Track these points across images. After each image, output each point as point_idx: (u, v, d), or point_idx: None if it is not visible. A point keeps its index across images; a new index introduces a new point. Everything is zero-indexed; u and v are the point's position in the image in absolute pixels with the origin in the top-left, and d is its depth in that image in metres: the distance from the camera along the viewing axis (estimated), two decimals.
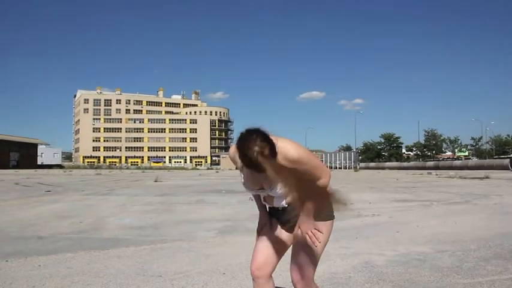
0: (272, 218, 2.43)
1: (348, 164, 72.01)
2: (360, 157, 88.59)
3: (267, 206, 2.44)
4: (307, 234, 2.21)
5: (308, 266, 2.28)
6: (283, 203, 2.28)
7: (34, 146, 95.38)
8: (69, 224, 7.31)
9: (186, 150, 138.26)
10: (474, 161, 61.61)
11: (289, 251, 2.42)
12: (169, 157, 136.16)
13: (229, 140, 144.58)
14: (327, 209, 2.34)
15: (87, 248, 5.25)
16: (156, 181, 22.51)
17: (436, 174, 31.70)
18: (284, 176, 2.11)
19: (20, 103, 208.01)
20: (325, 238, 2.31)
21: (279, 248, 2.39)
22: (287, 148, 2.07)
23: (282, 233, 2.39)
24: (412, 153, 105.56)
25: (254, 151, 1.95)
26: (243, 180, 2.30)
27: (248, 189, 2.30)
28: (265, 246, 2.38)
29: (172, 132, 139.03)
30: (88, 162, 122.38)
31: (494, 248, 5.04)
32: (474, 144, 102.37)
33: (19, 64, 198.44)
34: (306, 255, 2.26)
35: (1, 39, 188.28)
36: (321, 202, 2.28)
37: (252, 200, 2.52)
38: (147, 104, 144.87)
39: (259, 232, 2.47)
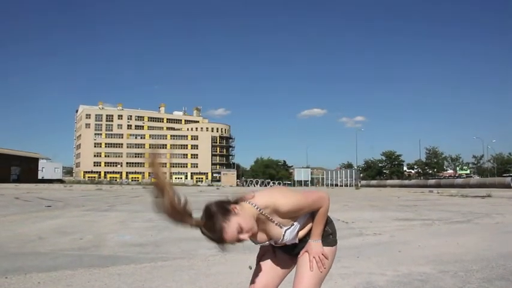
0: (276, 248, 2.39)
1: (349, 182, 71.95)
2: (361, 175, 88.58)
3: None
4: (315, 259, 2.23)
5: (311, 287, 2.24)
6: (296, 240, 2.27)
7: (35, 161, 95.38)
8: (69, 240, 7.29)
9: (187, 167, 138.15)
10: (476, 179, 61.55)
11: (289, 278, 2.39)
12: (171, 173, 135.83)
13: (230, 157, 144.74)
14: (332, 235, 2.35)
15: (87, 265, 5.23)
16: (157, 197, 22.40)
17: (438, 193, 31.61)
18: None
19: (22, 117, 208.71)
20: (330, 263, 2.31)
21: (280, 272, 2.39)
22: (276, 204, 2.09)
23: (285, 258, 2.39)
24: (413, 171, 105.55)
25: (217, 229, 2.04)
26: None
27: (256, 243, 2.27)
28: (264, 271, 2.37)
29: (174, 148, 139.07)
30: (89, 177, 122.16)
31: (497, 269, 5.00)
32: (476, 162, 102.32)
33: (21, 78, 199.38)
34: (310, 277, 2.23)
35: (2, 52, 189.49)
36: (324, 225, 2.29)
37: (251, 268, 2.50)
38: (148, 120, 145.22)
39: (260, 257, 2.45)
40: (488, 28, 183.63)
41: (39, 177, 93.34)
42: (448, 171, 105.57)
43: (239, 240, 2.00)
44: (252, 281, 2.36)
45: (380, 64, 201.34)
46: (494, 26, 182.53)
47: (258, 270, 2.39)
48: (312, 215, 2.26)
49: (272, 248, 2.40)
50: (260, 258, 2.44)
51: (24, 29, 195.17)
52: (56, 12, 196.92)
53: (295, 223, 2.19)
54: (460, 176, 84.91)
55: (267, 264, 2.38)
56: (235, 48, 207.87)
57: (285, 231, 2.16)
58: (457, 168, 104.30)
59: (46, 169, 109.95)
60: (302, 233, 2.26)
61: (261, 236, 2.19)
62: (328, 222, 2.34)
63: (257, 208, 2.07)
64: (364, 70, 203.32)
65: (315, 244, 2.25)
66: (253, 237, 2.17)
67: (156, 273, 4.85)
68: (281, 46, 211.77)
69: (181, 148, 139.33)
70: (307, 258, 2.25)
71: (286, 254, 2.37)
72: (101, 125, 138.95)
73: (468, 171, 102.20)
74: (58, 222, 10.10)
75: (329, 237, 2.31)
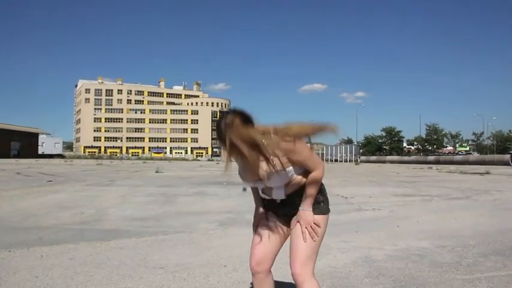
0: (269, 211, 2.44)
1: (348, 157, 71.97)
2: (361, 150, 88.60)
3: (264, 199, 2.42)
4: (307, 228, 2.25)
5: (308, 259, 2.28)
6: (282, 195, 2.28)
7: (35, 136, 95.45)
8: (71, 214, 7.35)
9: (187, 141, 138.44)
10: (475, 156, 61.57)
11: (287, 244, 2.42)
12: (170, 148, 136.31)
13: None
14: (323, 203, 2.34)
15: (89, 239, 5.29)
16: (157, 172, 22.54)
17: (437, 169, 31.70)
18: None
19: (22, 93, 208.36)
20: (323, 231, 2.32)
21: (277, 241, 2.41)
22: (279, 137, 2.13)
23: (279, 226, 2.40)
24: (413, 148, 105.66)
25: (224, 122, 2.08)
26: (239, 175, 2.32)
27: (245, 180, 2.30)
28: (263, 241, 2.39)
29: (174, 123, 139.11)
30: (89, 152, 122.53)
31: (493, 244, 5.06)
32: (475, 139, 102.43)
33: (20, 54, 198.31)
34: (305, 249, 2.26)
35: (2, 29, 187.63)
36: (316, 194, 2.29)
37: (245, 190, 2.54)
38: (148, 95, 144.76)
39: (256, 227, 2.49)
40: (489, 6, 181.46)
41: (40, 152, 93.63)
42: (448, 148, 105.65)
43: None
44: (252, 253, 2.39)
45: (382, 40, 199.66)
46: (495, 4, 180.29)
47: (255, 241, 2.41)
48: (303, 177, 2.26)
49: (265, 216, 2.44)
50: (256, 228, 2.47)
51: (24, 5, 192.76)
52: None
53: (287, 170, 2.18)
54: (459, 153, 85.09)
55: (264, 234, 2.40)
56: (235, 22, 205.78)
57: (272, 175, 2.16)
58: (457, 145, 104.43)
59: (46, 144, 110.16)
60: (290, 190, 2.27)
61: (252, 172, 2.20)
62: (320, 190, 2.34)
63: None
64: (366, 46, 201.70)
65: (305, 213, 2.26)
66: (244, 172, 2.24)
67: (157, 247, 4.91)
68: (282, 21, 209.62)
69: (181, 123, 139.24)
70: (299, 230, 2.27)
71: (280, 220, 2.40)
72: (101, 99, 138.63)
73: (468, 148, 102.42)
74: (59, 197, 10.17)
75: (320, 204, 2.31)
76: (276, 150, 2.11)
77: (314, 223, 2.26)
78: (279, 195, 2.29)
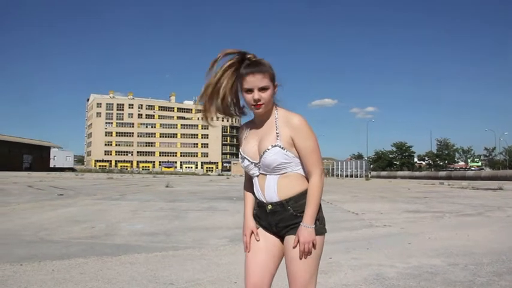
0: (259, 222, 2.22)
1: (359, 173, 71.64)
2: (372, 166, 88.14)
3: (254, 209, 2.26)
4: (304, 246, 2.03)
5: (308, 284, 2.10)
6: (275, 193, 2.09)
7: (47, 149, 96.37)
8: (82, 228, 7.38)
9: (197, 156, 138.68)
10: (487, 171, 60.97)
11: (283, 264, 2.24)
12: (181, 162, 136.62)
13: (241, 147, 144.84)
14: (319, 221, 2.11)
15: (99, 253, 5.30)
16: (167, 186, 22.59)
17: (449, 185, 31.41)
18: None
19: (34, 107, 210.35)
20: (320, 253, 2.13)
21: (273, 262, 2.19)
22: (293, 113, 2.10)
23: (274, 243, 2.18)
24: (424, 163, 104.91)
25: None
26: (241, 150, 2.24)
27: (244, 159, 2.19)
28: (258, 262, 2.17)
29: (184, 137, 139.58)
30: (100, 166, 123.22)
31: (508, 263, 4.99)
32: (487, 154, 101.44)
33: (33, 68, 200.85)
34: (303, 274, 2.08)
35: (15, 43, 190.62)
36: (318, 207, 2.08)
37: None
38: (159, 109, 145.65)
39: (247, 240, 2.26)
40: (499, 22, 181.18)
41: (51, 165, 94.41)
42: (459, 163, 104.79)
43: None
44: (247, 276, 2.17)
45: (392, 55, 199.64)
46: (505, 20, 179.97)
47: (250, 262, 2.19)
48: (299, 180, 2.10)
49: (257, 231, 2.22)
50: (248, 244, 2.24)
51: (37, 19, 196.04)
52: (68, 2, 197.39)
53: (287, 151, 2.05)
54: (471, 168, 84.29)
55: (259, 254, 2.18)
56: (246, 36, 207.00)
57: (272, 148, 2.05)
58: (469, 161, 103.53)
59: (58, 157, 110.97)
60: (283, 192, 2.09)
61: (252, 144, 2.16)
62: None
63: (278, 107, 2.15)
64: (376, 61, 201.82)
65: (307, 230, 2.04)
66: (248, 144, 2.19)
67: (168, 262, 4.90)
68: (293, 36, 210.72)
69: (192, 137, 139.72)
70: (293, 252, 2.07)
71: (273, 236, 2.18)
72: (112, 114, 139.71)
73: (480, 164, 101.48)
74: (70, 210, 10.22)
75: (315, 224, 2.07)
76: (285, 125, 2.07)
77: (313, 245, 2.05)
78: (271, 192, 2.10)
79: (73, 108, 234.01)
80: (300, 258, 2.06)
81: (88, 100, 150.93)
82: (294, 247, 2.07)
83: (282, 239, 2.17)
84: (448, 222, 8.96)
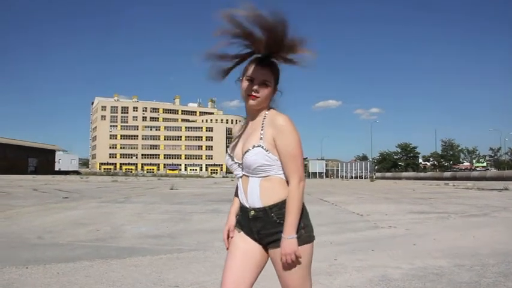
0: (242, 229, 2.13)
1: (364, 174, 71.61)
2: (376, 167, 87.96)
3: (239, 213, 2.18)
4: (286, 258, 1.93)
5: None
6: (258, 198, 2.00)
7: (52, 152, 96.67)
8: (87, 231, 7.39)
9: (201, 158, 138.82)
10: (493, 171, 60.75)
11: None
12: (185, 165, 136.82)
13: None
14: (305, 230, 2.00)
15: (104, 256, 5.31)
16: (171, 189, 22.60)
17: (454, 185, 31.31)
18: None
19: (39, 110, 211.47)
20: (307, 262, 2.01)
21: (252, 268, 2.07)
22: (281, 114, 2.02)
23: (254, 249, 2.08)
24: (428, 164, 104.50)
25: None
26: (228, 148, 2.21)
27: (230, 158, 2.15)
28: (235, 266, 2.06)
29: (188, 140, 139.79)
30: (104, 169, 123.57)
31: None
32: (493, 154, 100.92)
33: (38, 72, 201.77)
34: (296, 282, 1.99)
35: (20, 48, 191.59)
36: (298, 215, 1.96)
37: (239, 231, 2.20)
38: (163, 112, 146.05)
39: (226, 237, 2.21)
40: (505, 20, 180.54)
41: (56, 168, 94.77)
42: (464, 164, 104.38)
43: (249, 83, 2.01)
44: (222, 280, 2.08)
45: (396, 55, 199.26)
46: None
47: (227, 266, 2.10)
48: (282, 186, 2.00)
49: (239, 235, 2.14)
50: (228, 244, 2.19)
51: (41, 23, 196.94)
52: (72, 4, 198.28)
53: (269, 153, 1.97)
54: (476, 169, 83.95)
55: (237, 258, 2.08)
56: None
57: (253, 148, 1.98)
58: (474, 161, 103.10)
59: (63, 161, 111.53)
60: (266, 198, 2.00)
61: (239, 143, 2.12)
62: (301, 214, 1.99)
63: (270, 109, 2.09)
64: (380, 61, 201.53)
65: (287, 241, 1.93)
66: (234, 145, 2.15)
67: (173, 265, 4.90)
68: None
69: (196, 140, 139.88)
70: (284, 265, 1.98)
71: (255, 243, 2.08)
72: (116, 116, 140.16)
73: (485, 164, 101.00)
74: (75, 213, 10.25)
75: (300, 232, 1.97)
76: (269, 125, 2.00)
77: (295, 255, 1.93)
78: (254, 196, 2.02)
79: (78, 112, 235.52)
80: (281, 269, 1.98)
81: (93, 103, 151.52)
82: (280, 260, 1.97)
83: (264, 247, 2.07)
84: (453, 223, 8.93)
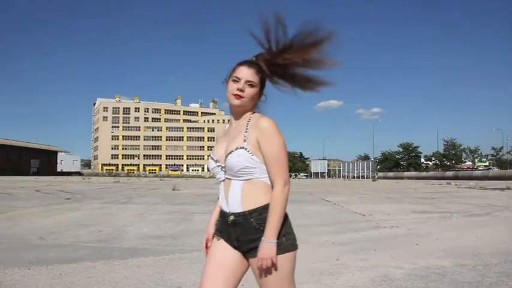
0: (221, 235, 2.07)
1: (365, 174, 71.62)
2: (378, 167, 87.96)
3: (218, 219, 2.14)
4: (262, 262, 1.86)
5: None
6: (239, 203, 1.95)
7: (54, 154, 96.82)
8: (89, 232, 7.40)
9: (203, 159, 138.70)
10: (495, 171, 60.70)
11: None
12: (187, 165, 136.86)
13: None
14: (286, 237, 1.93)
15: (106, 257, 5.31)
16: (174, 189, 22.62)
17: (456, 185, 31.28)
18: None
19: (41, 111, 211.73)
20: (289, 270, 1.94)
21: (231, 275, 2.00)
22: (265, 117, 2.00)
23: (232, 261, 2.01)
24: (430, 163, 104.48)
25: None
26: (212, 150, 2.18)
27: (212, 161, 2.11)
28: (212, 275, 2.00)
29: (190, 140, 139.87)
30: (106, 169, 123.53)
31: None
32: (495, 154, 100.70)
33: (40, 73, 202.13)
34: None
35: (21, 48, 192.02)
36: (280, 220, 1.90)
37: (218, 239, 2.13)
38: (165, 112, 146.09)
39: (205, 244, 2.20)
40: (508, 19, 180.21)
41: (58, 169, 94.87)
42: (467, 163, 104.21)
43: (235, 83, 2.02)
44: (200, 286, 2.02)
45: (398, 55, 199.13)
46: None
47: (205, 272, 2.03)
48: (265, 191, 1.95)
49: (218, 241, 2.08)
50: (207, 260, 2.09)
51: (43, 25, 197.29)
52: (74, 6, 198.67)
53: (253, 155, 1.93)
54: (478, 168, 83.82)
55: (215, 265, 2.02)
56: (250, 38, 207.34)
57: (236, 150, 1.94)
58: (476, 160, 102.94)
59: (65, 162, 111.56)
60: (247, 202, 1.94)
61: (222, 146, 2.07)
62: (284, 222, 1.93)
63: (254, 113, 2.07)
64: (382, 61, 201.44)
65: (266, 245, 1.86)
66: (218, 145, 2.12)
67: (175, 265, 4.91)
68: None
69: (198, 140, 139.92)
70: (263, 274, 1.91)
71: (235, 249, 2.01)
72: (118, 117, 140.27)
73: (487, 163, 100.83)
74: (77, 214, 10.26)
75: (281, 240, 1.90)
76: (253, 127, 1.97)
77: (273, 263, 1.86)
78: (235, 200, 1.96)
79: (80, 113, 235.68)
80: (260, 277, 1.91)
81: (94, 104, 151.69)
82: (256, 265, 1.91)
83: (244, 255, 2.00)
84: (455, 222, 8.92)
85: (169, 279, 4.25)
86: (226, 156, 1.98)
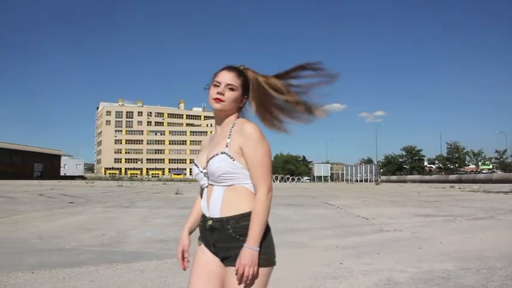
0: (202, 240, 2.03)
1: (369, 177, 71.45)
2: (381, 170, 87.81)
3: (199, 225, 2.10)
4: (243, 269, 1.79)
5: None
6: (218, 207, 1.92)
7: (57, 157, 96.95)
8: (92, 236, 7.41)
9: None
10: (498, 174, 60.48)
11: None
12: (190, 169, 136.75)
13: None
14: (264, 253, 1.85)
15: (110, 261, 5.31)
16: (177, 193, 22.61)
17: (459, 188, 31.19)
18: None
19: (44, 115, 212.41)
20: (262, 285, 1.86)
21: (213, 280, 1.96)
22: (250, 122, 1.98)
23: (213, 266, 1.96)
24: (434, 166, 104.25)
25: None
26: (195, 158, 2.14)
27: (195, 167, 2.09)
28: (196, 281, 1.99)
29: (193, 144, 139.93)
30: (110, 173, 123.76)
31: None
32: (498, 157, 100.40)
33: (43, 77, 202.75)
34: None
35: (25, 52, 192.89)
36: (263, 227, 1.85)
37: (200, 244, 2.12)
38: (168, 116, 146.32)
39: (181, 261, 2.18)
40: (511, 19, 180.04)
41: (62, 173, 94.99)
42: (470, 167, 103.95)
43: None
44: None
45: (401, 58, 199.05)
46: None
47: (191, 282, 2.03)
48: (247, 198, 1.91)
49: (199, 250, 2.05)
50: (192, 266, 2.07)
51: (46, 28, 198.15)
52: (76, 9, 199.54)
53: (235, 161, 1.90)
54: (482, 171, 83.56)
55: (201, 276, 2.00)
56: (252, 42, 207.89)
57: (218, 155, 1.91)
58: (479, 163, 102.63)
59: (68, 166, 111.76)
60: (226, 208, 1.91)
61: (206, 152, 2.04)
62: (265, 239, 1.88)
63: (239, 117, 2.07)
64: (385, 64, 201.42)
65: (248, 252, 1.80)
66: (201, 153, 2.10)
67: (178, 269, 4.89)
68: (300, 39, 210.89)
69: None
70: (233, 282, 1.85)
71: (214, 257, 1.97)
72: (121, 121, 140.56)
73: (491, 166, 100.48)
74: (81, 218, 10.27)
75: (260, 251, 1.84)
76: (236, 133, 1.94)
77: (254, 271, 1.79)
78: (215, 205, 1.93)
79: (83, 117, 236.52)
80: (239, 283, 1.82)
81: (98, 108, 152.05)
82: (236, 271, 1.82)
83: (223, 262, 1.94)
84: (459, 226, 8.89)
85: (172, 283, 4.25)
86: (208, 162, 1.95)
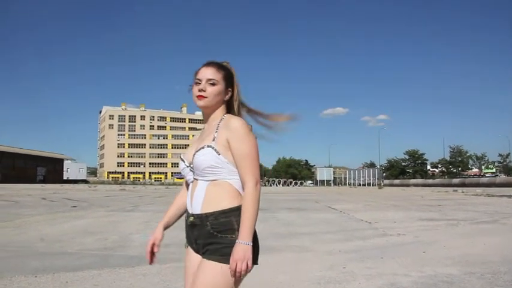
0: (187, 240, 2.06)
1: (371, 181, 71.30)
2: (384, 174, 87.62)
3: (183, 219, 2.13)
4: (236, 264, 1.76)
5: None
6: (200, 203, 1.91)
7: (60, 161, 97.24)
8: (95, 240, 7.41)
9: None
10: (502, 178, 60.33)
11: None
12: None
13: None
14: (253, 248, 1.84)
15: (112, 265, 5.31)
16: None
17: (463, 192, 31.11)
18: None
19: (47, 119, 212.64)
20: (226, 284, 1.82)
21: None
22: (236, 117, 2.00)
23: (197, 260, 1.95)
24: (437, 170, 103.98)
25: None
26: (182, 154, 2.15)
27: (182, 161, 2.09)
28: (188, 284, 2.00)
29: None
30: (112, 177, 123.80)
31: None
32: (502, 160, 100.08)
33: (46, 81, 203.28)
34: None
35: (28, 55, 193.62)
36: (255, 220, 1.83)
37: (186, 246, 2.15)
38: (170, 120, 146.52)
39: (149, 254, 2.23)
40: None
41: (64, 177, 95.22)
42: (473, 170, 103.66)
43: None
44: None
45: (403, 62, 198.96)
46: None
47: (185, 283, 2.05)
48: (230, 195, 1.90)
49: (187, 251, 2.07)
50: (185, 268, 2.07)
51: (49, 31, 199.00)
52: (80, 13, 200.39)
53: (220, 155, 1.90)
54: (485, 175, 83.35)
55: (190, 276, 2.00)
56: (256, 49, 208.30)
57: (203, 148, 1.92)
58: (483, 167, 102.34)
59: (71, 169, 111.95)
60: (207, 205, 1.90)
61: (193, 147, 2.05)
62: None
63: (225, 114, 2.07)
64: (387, 68, 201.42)
65: (241, 246, 1.78)
66: (189, 150, 2.10)
67: (180, 273, 4.85)
68: (303, 46, 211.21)
69: None
70: (200, 273, 1.85)
71: (198, 256, 1.96)
72: (124, 125, 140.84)
73: (494, 170, 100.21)
74: (84, 222, 10.27)
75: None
76: (223, 128, 1.95)
77: (247, 266, 1.78)
78: (197, 201, 1.93)
79: (86, 121, 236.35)
80: (198, 276, 1.84)
81: (100, 112, 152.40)
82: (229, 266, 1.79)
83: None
84: (463, 230, 8.86)
85: (175, 287, 4.24)
86: (194, 155, 1.96)
